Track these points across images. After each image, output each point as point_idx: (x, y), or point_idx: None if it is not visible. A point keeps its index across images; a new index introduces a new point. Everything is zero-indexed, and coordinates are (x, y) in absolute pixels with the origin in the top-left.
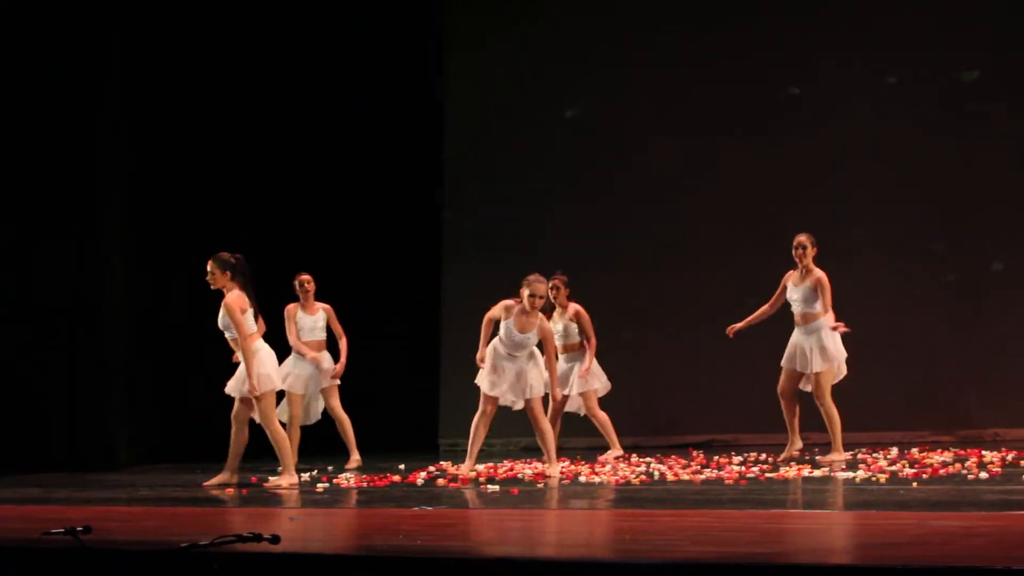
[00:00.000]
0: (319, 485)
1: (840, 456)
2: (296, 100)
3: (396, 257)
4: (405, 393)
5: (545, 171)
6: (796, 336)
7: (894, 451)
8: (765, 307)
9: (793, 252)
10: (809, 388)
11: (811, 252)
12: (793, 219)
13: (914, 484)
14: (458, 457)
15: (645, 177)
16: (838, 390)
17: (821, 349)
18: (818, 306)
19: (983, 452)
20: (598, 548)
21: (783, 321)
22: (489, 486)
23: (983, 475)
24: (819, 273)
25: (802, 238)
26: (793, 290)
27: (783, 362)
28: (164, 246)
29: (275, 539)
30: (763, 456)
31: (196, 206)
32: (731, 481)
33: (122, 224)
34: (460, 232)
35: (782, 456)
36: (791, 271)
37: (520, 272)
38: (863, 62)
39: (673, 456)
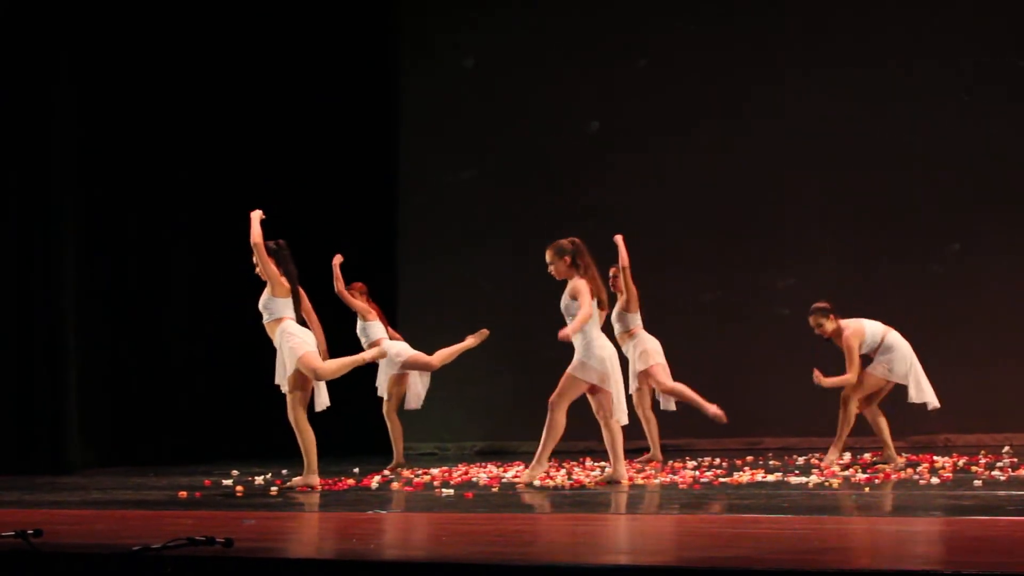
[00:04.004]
0: (272, 488)
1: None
2: (250, 93)
3: (349, 263)
4: (359, 397)
5: (502, 178)
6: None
7: (847, 456)
8: None
9: (819, 332)
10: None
11: (829, 324)
12: (738, 220)
13: (866, 489)
14: (412, 461)
15: (602, 177)
16: (790, 396)
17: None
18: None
19: (935, 457)
20: (551, 551)
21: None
22: (444, 490)
23: (934, 480)
24: (845, 334)
25: (811, 320)
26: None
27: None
28: (115, 251)
29: (228, 542)
30: (717, 461)
31: (147, 209)
32: (685, 486)
33: (77, 225)
34: (416, 240)
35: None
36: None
37: (479, 279)
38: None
39: (627, 460)
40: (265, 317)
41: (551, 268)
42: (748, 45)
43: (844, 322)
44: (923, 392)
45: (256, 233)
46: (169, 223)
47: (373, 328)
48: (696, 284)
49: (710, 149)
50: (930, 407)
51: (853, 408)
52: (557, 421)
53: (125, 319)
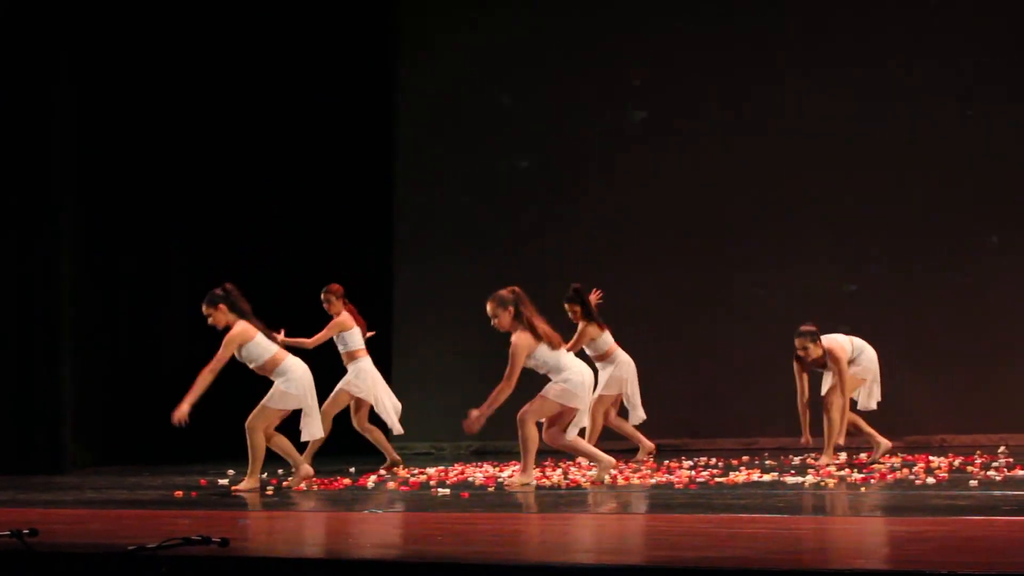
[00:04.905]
0: (268, 488)
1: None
2: (250, 93)
3: (347, 262)
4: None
5: (500, 178)
6: None
7: (843, 456)
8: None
9: (803, 355)
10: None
11: (815, 349)
12: (739, 220)
13: (862, 489)
14: (408, 461)
15: (602, 178)
16: (787, 396)
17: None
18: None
19: (930, 457)
20: (547, 551)
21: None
22: (440, 490)
23: (930, 480)
24: (834, 355)
25: (796, 342)
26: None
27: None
28: (114, 250)
29: (224, 542)
30: (712, 461)
31: (146, 209)
32: (681, 486)
33: (76, 224)
34: (414, 241)
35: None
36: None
37: (476, 280)
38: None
39: (622, 460)
40: (252, 365)
41: (494, 321)
42: (748, 45)
43: (825, 344)
44: (871, 398)
45: (190, 402)
46: (169, 223)
47: (352, 338)
48: (695, 284)
49: (710, 149)
50: (873, 407)
51: (837, 413)
52: (530, 435)
53: (124, 319)
